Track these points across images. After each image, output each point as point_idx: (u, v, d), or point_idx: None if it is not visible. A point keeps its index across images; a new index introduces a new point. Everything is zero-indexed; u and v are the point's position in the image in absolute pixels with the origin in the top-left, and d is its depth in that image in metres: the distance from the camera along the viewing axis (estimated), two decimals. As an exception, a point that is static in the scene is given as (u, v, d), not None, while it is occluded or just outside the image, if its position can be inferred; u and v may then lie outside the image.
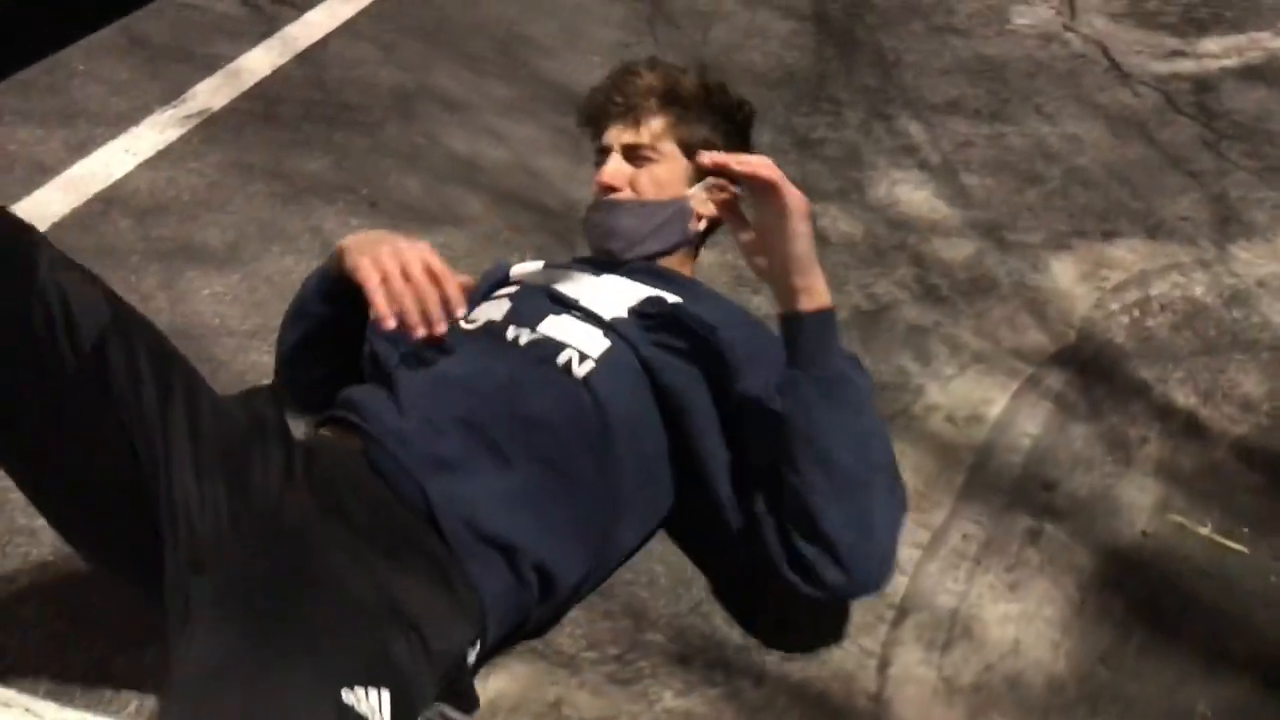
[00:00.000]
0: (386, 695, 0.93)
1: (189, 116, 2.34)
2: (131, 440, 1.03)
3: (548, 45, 2.69)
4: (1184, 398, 1.64)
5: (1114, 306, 1.83)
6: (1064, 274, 1.91)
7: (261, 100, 2.42)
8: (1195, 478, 1.50)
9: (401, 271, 1.18)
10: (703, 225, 1.53)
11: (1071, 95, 2.48)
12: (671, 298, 1.39)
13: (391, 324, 1.16)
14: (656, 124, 1.49)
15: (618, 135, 1.50)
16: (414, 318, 1.17)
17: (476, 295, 1.48)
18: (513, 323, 1.35)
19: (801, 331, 1.21)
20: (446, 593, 1.10)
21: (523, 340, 1.32)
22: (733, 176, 1.20)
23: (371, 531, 1.11)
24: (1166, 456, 1.53)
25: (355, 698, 0.90)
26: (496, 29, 2.76)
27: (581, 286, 1.42)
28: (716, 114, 1.54)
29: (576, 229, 2.00)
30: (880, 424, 1.27)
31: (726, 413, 1.31)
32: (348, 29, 2.74)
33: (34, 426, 1.02)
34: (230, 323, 1.77)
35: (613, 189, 1.48)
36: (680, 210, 1.49)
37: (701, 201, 1.49)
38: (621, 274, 1.45)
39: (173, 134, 2.28)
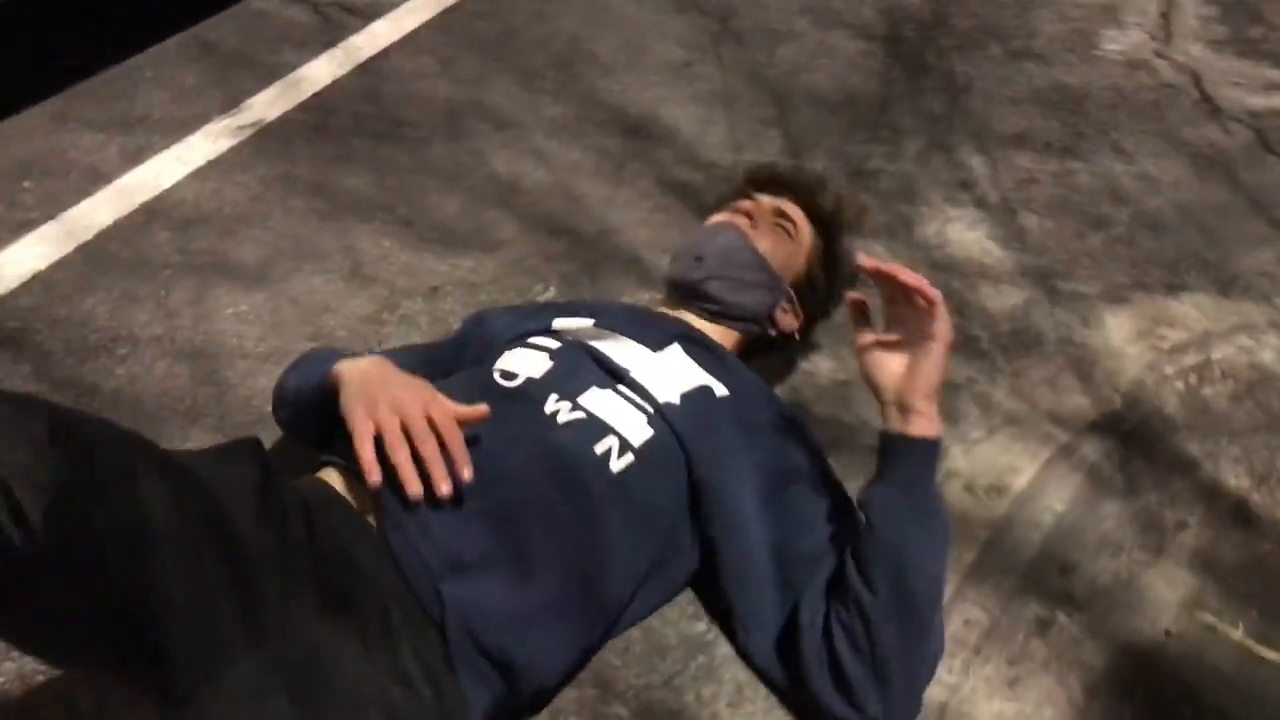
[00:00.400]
0: None
1: (243, 126, 2.36)
2: (110, 583, 0.91)
3: (608, 62, 2.63)
4: (1235, 479, 1.51)
5: (1169, 370, 1.70)
6: (1118, 331, 1.78)
7: (316, 112, 2.43)
8: (1235, 573, 1.38)
9: (401, 426, 1.10)
10: (782, 331, 1.53)
11: (1154, 130, 2.33)
12: (720, 389, 1.34)
13: (376, 481, 1.08)
14: (807, 228, 1.56)
15: (775, 201, 1.55)
16: (411, 481, 1.08)
17: (509, 331, 1.43)
18: (554, 390, 1.26)
19: (910, 455, 1.20)
20: (437, 702, 1.03)
21: (562, 418, 1.23)
22: (894, 285, 1.19)
23: (378, 630, 1.04)
24: (1205, 546, 1.41)
25: None
26: (558, 43, 2.72)
27: (632, 356, 1.34)
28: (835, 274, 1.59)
29: (605, 259, 1.96)
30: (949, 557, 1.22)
31: (769, 512, 1.26)
32: (410, 41, 2.73)
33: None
34: (246, 344, 1.76)
35: (748, 221, 1.50)
36: (774, 286, 1.50)
37: (785, 312, 1.53)
38: (675, 346, 1.38)
39: (225, 144, 2.30)
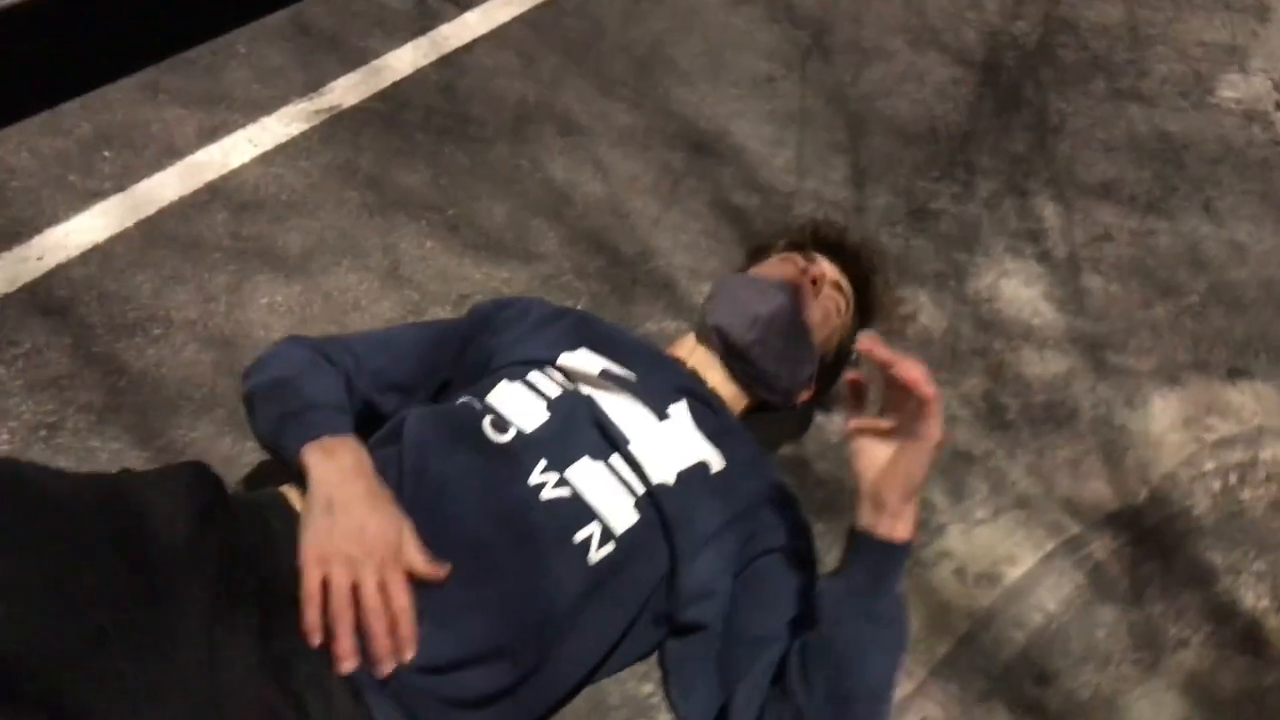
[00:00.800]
0: None
1: (318, 111, 2.40)
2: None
3: (688, 70, 2.58)
4: (1255, 598, 1.40)
5: (1209, 466, 1.58)
6: (1163, 416, 1.66)
7: (391, 102, 2.45)
8: (1232, 703, 1.28)
9: (351, 591, 1.05)
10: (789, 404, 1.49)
11: (1256, 192, 2.17)
12: (718, 461, 1.30)
13: (317, 642, 1.03)
14: (852, 308, 1.52)
15: (835, 271, 1.51)
16: (345, 658, 1.03)
17: (514, 350, 1.39)
18: (544, 455, 1.21)
19: (874, 556, 1.12)
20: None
21: (545, 494, 1.19)
22: (890, 376, 1.09)
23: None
24: (1205, 669, 1.31)
25: None
26: (642, 48, 2.68)
27: (634, 422, 1.29)
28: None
29: (639, 283, 1.93)
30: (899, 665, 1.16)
31: (733, 587, 1.24)
32: (498, 35, 2.73)
33: None
34: (273, 336, 1.79)
35: (814, 282, 1.43)
36: (811, 363, 1.45)
37: (805, 387, 1.49)
38: (681, 407, 1.33)
39: (296, 128, 2.34)
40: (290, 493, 1.20)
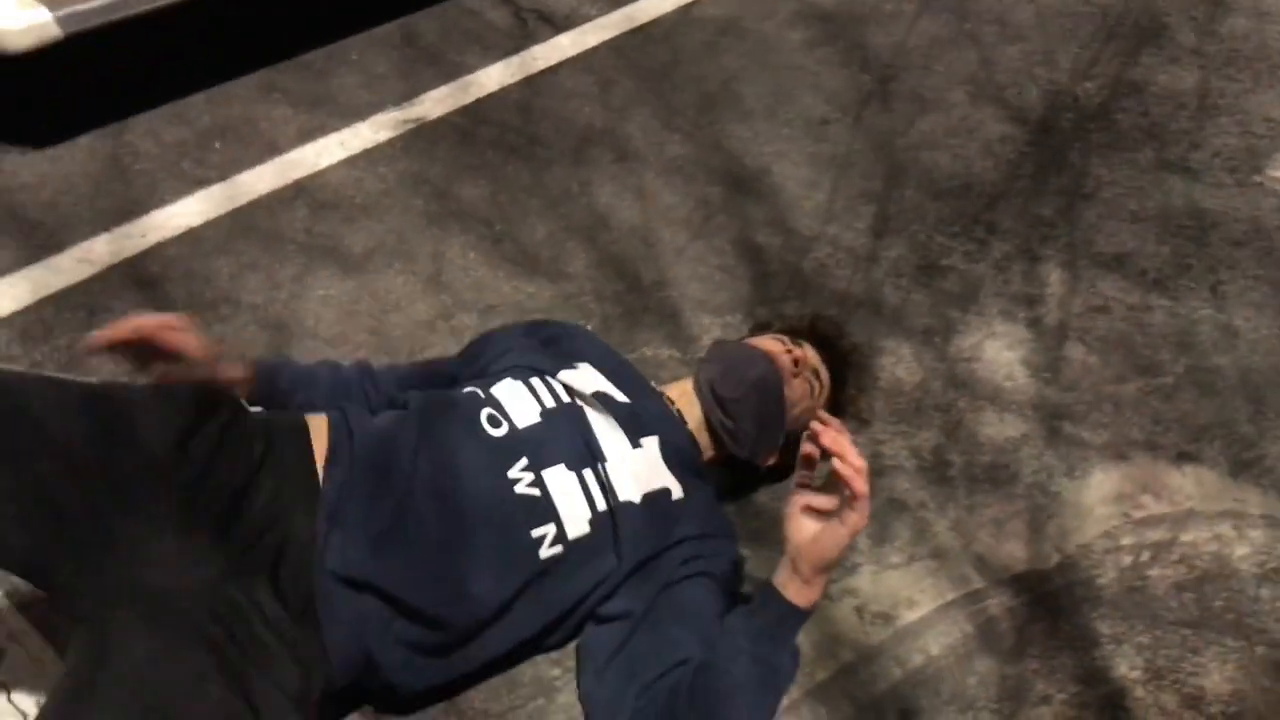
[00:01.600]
0: None
1: (406, 121, 2.67)
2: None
3: (749, 109, 2.75)
4: (1127, 668, 1.50)
5: (1125, 541, 1.68)
6: (1098, 489, 1.77)
7: (471, 117, 2.70)
8: (1073, 761, 1.40)
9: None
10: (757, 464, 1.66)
11: (1269, 278, 2.20)
12: (678, 491, 1.49)
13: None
14: (826, 393, 1.70)
15: (818, 359, 1.70)
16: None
17: (518, 354, 1.59)
18: (526, 454, 1.40)
19: (776, 611, 1.29)
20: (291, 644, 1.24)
21: (519, 488, 1.38)
22: (834, 466, 1.24)
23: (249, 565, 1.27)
24: (1058, 726, 1.43)
25: None
26: (712, 82, 2.85)
27: (612, 445, 1.47)
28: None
29: (647, 310, 2.12)
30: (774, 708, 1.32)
31: (662, 595, 1.41)
32: (584, 59, 2.95)
33: None
34: (319, 327, 2.06)
35: (791, 367, 1.62)
36: (780, 434, 1.63)
37: (769, 453, 1.65)
38: (654, 440, 1.51)
39: (384, 135, 2.61)
40: (314, 420, 1.42)
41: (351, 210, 2.37)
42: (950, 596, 1.59)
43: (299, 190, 2.43)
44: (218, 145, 2.56)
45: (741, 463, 1.64)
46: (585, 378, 1.56)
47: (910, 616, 1.57)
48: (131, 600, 1.19)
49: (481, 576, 1.34)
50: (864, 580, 1.62)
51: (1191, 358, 2.01)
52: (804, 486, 1.30)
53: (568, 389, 1.52)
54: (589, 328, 2.07)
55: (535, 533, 1.37)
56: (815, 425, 1.26)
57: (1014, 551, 1.66)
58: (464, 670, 1.41)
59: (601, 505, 1.42)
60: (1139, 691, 1.47)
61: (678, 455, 1.52)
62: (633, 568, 1.42)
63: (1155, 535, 1.68)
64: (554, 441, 1.44)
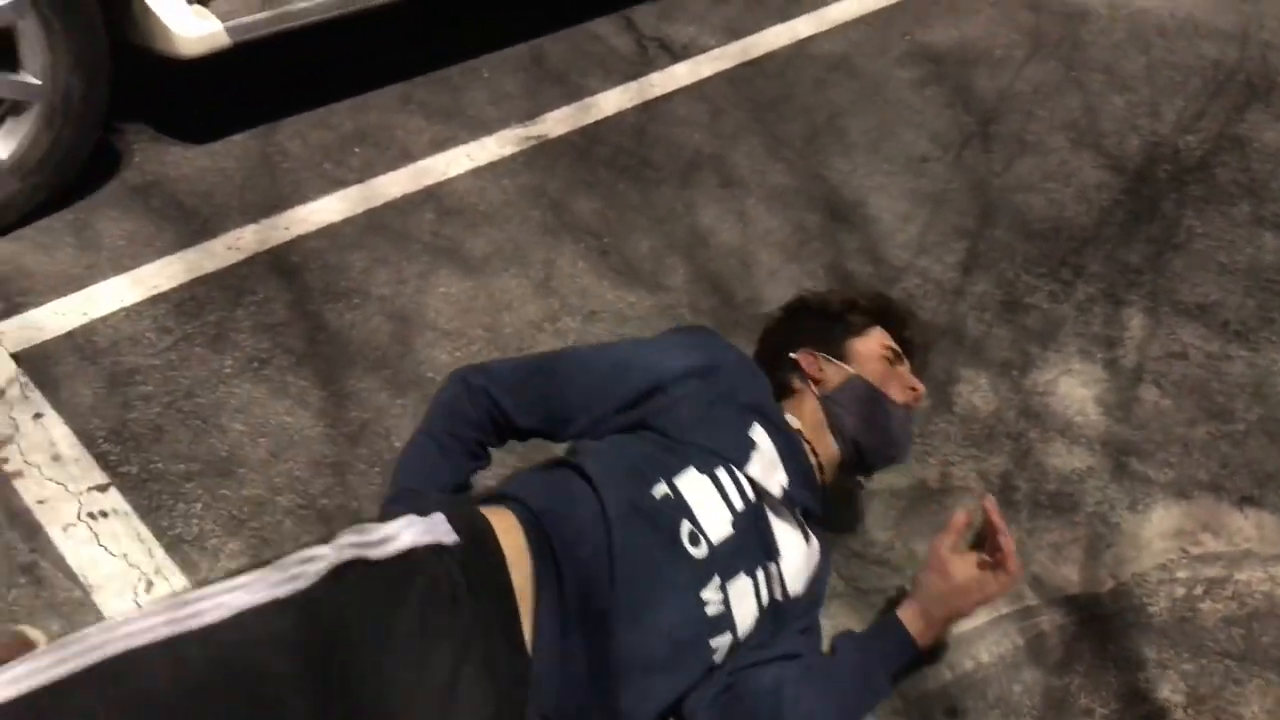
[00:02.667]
0: None
1: (529, 138, 2.86)
2: None
3: (852, 143, 2.87)
4: (1169, 692, 1.59)
5: (1180, 574, 1.76)
6: (1159, 524, 1.84)
7: (589, 137, 2.88)
8: (1109, 772, 1.49)
9: None
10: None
11: (1355, 336, 2.24)
12: (823, 569, 1.54)
13: None
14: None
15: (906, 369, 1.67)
16: None
17: (701, 433, 1.44)
18: (718, 572, 1.35)
19: (894, 643, 1.44)
20: None
21: (710, 609, 1.34)
22: (992, 537, 1.42)
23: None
24: (1098, 738, 1.53)
25: None
26: (819, 115, 2.99)
27: (788, 542, 1.45)
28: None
29: (737, 326, 2.25)
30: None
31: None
32: (698, 88, 3.11)
33: None
34: (439, 320, 2.26)
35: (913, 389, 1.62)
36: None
37: None
38: (804, 526, 1.50)
39: (508, 150, 2.81)
40: (493, 514, 1.33)
41: (474, 217, 2.57)
42: (1004, 610, 1.69)
43: (428, 195, 2.64)
44: (357, 150, 2.79)
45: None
46: (766, 462, 1.47)
47: (964, 625, 1.67)
48: None
49: (657, 685, 1.32)
50: (923, 588, 1.73)
51: (1266, 408, 2.07)
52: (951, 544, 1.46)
53: (756, 487, 1.44)
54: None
55: (714, 643, 1.35)
56: (986, 503, 1.43)
57: (1069, 574, 1.76)
58: None
59: (767, 600, 1.41)
60: (1179, 715, 1.55)
61: (807, 510, 1.52)
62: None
63: (1210, 571, 1.76)
64: (742, 553, 1.39)
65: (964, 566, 1.43)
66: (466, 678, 1.17)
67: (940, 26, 3.42)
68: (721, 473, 1.41)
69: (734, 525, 1.39)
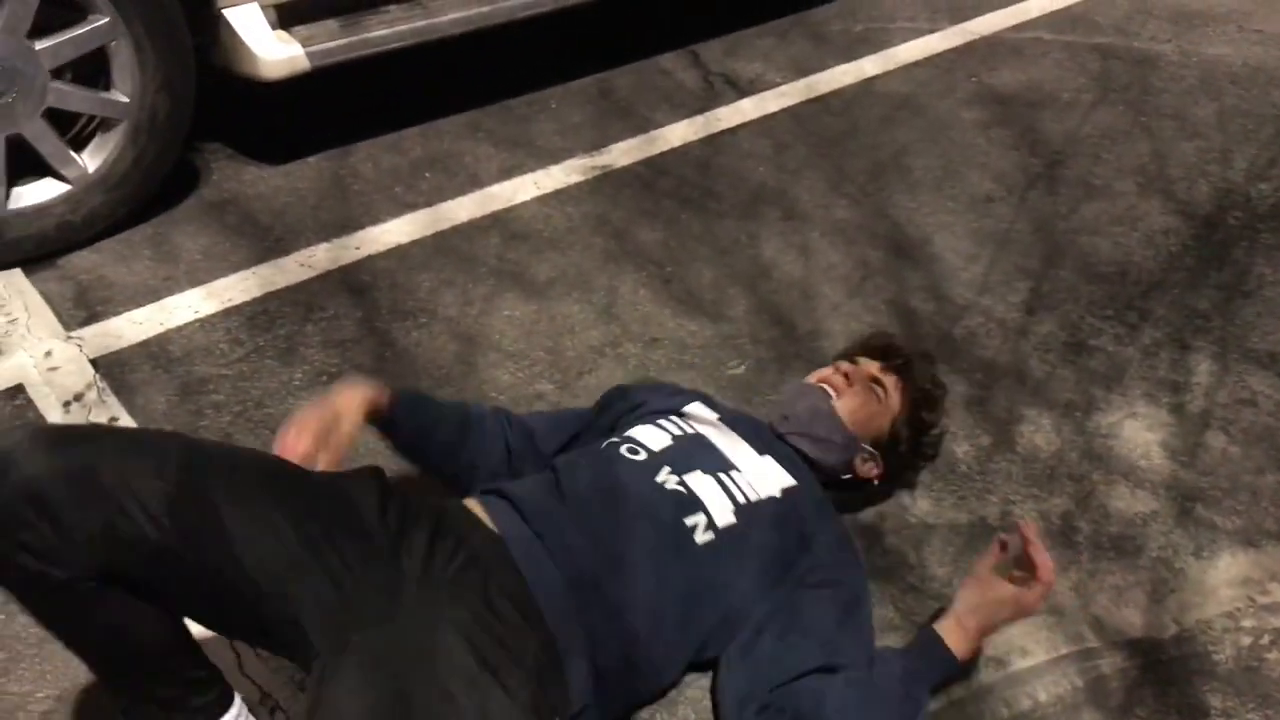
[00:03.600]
0: None
1: (595, 167, 2.91)
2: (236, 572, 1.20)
3: (917, 180, 2.88)
4: (1234, 741, 1.55)
5: (1246, 623, 1.72)
6: (1225, 570, 1.81)
7: (654, 168, 2.92)
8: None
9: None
10: (862, 477, 1.82)
11: None
12: (808, 491, 1.66)
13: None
14: (901, 398, 1.83)
15: (873, 368, 1.84)
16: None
17: (647, 406, 1.76)
18: (667, 464, 1.57)
19: (934, 655, 1.52)
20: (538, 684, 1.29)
21: (668, 486, 1.54)
22: (1027, 552, 1.49)
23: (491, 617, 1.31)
24: (1157, 785, 1.50)
25: None
26: (884, 153, 3.00)
27: (740, 453, 1.65)
28: (919, 437, 1.87)
29: (798, 357, 2.27)
30: None
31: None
32: (763, 123, 3.14)
33: (167, 588, 1.23)
34: (503, 342, 2.29)
35: (845, 381, 1.79)
36: (849, 445, 1.78)
37: (863, 457, 1.81)
38: (775, 457, 1.68)
39: (574, 179, 2.86)
40: (470, 503, 1.52)
41: (539, 243, 2.61)
42: (1063, 650, 1.67)
43: (495, 220, 2.68)
44: (427, 175, 2.85)
45: (856, 484, 1.82)
46: (705, 410, 1.76)
47: (1022, 664, 1.65)
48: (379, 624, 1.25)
49: (645, 565, 1.46)
50: (981, 625, 1.71)
51: (1337, 458, 2.03)
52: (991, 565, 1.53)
53: (692, 419, 1.71)
54: (742, 368, 2.24)
55: (688, 521, 1.51)
56: (1022, 525, 1.50)
57: (1131, 618, 1.73)
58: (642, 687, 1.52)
59: (743, 499, 1.57)
60: (1243, 764, 1.52)
61: (797, 469, 1.69)
62: (766, 568, 1.55)
63: (1278, 621, 1.72)
64: (689, 457, 1.60)
65: (1001, 581, 1.51)
66: (441, 551, 1.35)
67: (1006, 69, 3.43)
68: (662, 420, 1.68)
69: (672, 439, 1.62)
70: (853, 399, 1.77)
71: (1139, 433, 2.09)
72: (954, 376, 2.21)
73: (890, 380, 1.81)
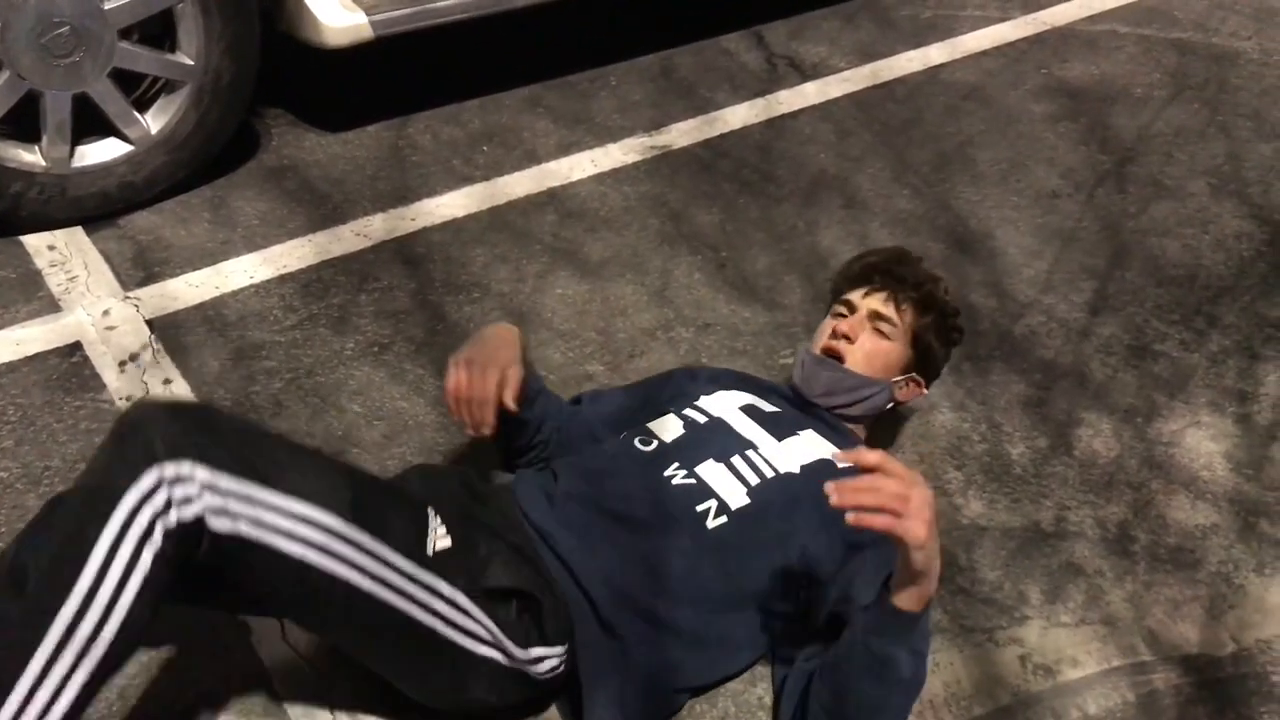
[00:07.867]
0: None
1: (653, 147, 2.87)
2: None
3: (982, 173, 2.82)
4: (1292, 767, 1.51)
5: (1308, 645, 1.67)
6: (1287, 589, 1.76)
7: (713, 150, 2.88)
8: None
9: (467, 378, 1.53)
10: (890, 405, 1.81)
11: None
12: (838, 464, 1.61)
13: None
14: (909, 313, 1.78)
15: (870, 301, 1.79)
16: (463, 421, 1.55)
17: (680, 395, 1.76)
18: (676, 459, 1.58)
19: (882, 609, 1.32)
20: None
21: (675, 481, 1.55)
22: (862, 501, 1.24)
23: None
24: (1208, 806, 1.46)
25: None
26: (949, 143, 2.94)
27: (759, 436, 1.64)
28: (945, 334, 1.83)
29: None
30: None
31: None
32: (826, 108, 3.08)
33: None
34: (555, 320, 2.27)
35: (847, 342, 1.75)
36: (881, 388, 1.76)
37: (899, 387, 1.78)
38: (805, 427, 1.68)
39: (632, 158, 2.83)
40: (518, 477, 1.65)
41: (595, 221, 2.59)
42: (1116, 663, 1.63)
43: (551, 197, 2.67)
44: (485, 148, 2.84)
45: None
46: (729, 397, 1.73)
47: (1073, 674, 1.61)
48: None
49: (662, 550, 1.48)
50: (1031, 633, 1.67)
51: None
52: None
53: (711, 406, 1.70)
54: (791, 359, 2.19)
55: (699, 508, 1.52)
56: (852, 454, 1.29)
57: (1187, 633, 1.68)
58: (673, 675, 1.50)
59: (755, 480, 1.56)
60: (1299, 792, 1.48)
61: (830, 427, 1.70)
62: (809, 534, 1.52)
63: (1341, 645, 1.67)
64: (702, 446, 1.61)
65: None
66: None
67: (1078, 62, 3.34)
68: (685, 409, 1.69)
69: (685, 428, 1.64)
70: (862, 349, 1.74)
71: (1202, 442, 2.03)
72: (1013, 376, 2.17)
73: (888, 308, 1.76)
